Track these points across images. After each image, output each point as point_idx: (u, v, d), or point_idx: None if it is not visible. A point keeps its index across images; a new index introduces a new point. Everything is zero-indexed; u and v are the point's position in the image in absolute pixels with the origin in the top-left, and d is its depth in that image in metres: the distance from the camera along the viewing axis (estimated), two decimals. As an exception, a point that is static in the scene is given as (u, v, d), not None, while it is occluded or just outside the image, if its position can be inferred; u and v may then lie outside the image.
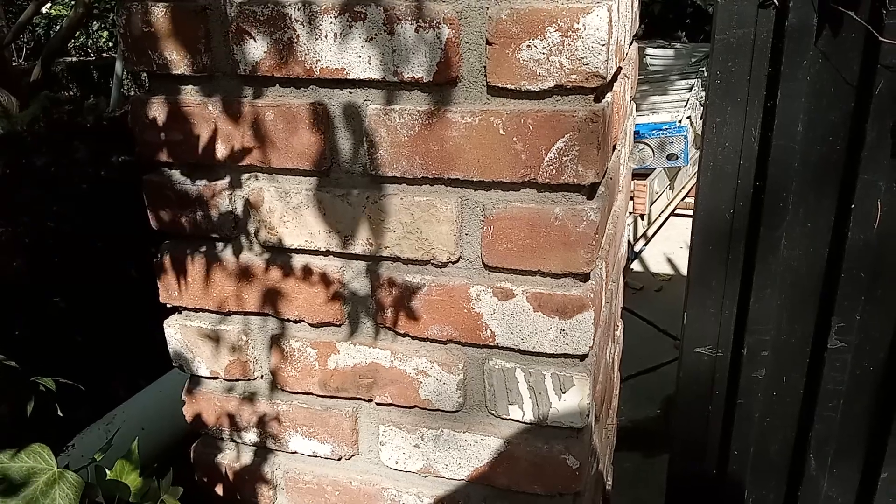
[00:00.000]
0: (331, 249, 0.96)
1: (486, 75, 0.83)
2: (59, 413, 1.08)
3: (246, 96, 0.93)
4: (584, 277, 0.91)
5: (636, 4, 1.17)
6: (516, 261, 0.90)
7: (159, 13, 0.91)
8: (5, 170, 3.43)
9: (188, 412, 1.14)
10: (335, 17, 0.85)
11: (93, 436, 1.78)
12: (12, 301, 2.55)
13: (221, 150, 0.95)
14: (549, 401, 0.96)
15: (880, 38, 0.91)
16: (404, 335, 0.99)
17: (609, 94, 0.88)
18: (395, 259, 0.95)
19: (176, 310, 1.08)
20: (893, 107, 0.96)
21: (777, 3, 0.96)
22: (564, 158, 0.84)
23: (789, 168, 1.01)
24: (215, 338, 1.07)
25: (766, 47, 0.99)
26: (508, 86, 0.83)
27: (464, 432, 1.01)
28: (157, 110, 0.96)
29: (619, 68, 0.97)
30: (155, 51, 0.93)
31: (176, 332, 1.09)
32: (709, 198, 1.07)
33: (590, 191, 0.87)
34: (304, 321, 1.02)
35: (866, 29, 0.93)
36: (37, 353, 2.39)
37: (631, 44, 1.14)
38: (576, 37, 0.78)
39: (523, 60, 0.81)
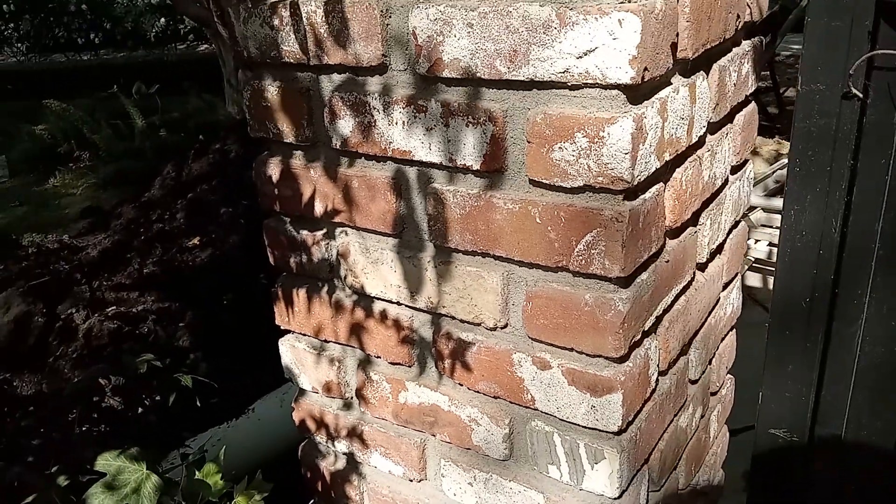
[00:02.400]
0: (401, 301, 1.09)
1: (526, 169, 0.90)
2: (198, 404, 1.31)
3: (340, 164, 1.07)
4: (620, 360, 0.94)
5: (747, 67, 1.15)
6: (552, 336, 0.96)
7: (273, 92, 1.08)
8: (237, 153, 3.95)
9: (296, 417, 1.33)
10: (403, 108, 0.96)
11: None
12: (226, 273, 2.98)
13: (319, 208, 1.11)
14: (583, 468, 1.01)
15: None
16: (460, 385, 1.09)
17: (649, 191, 0.90)
18: (452, 317, 1.05)
19: (288, 331, 1.27)
20: None
21: (861, 96, 0.90)
22: (592, 251, 0.88)
23: (865, 265, 0.95)
24: (316, 359, 1.24)
25: (849, 139, 0.93)
26: (544, 180, 0.89)
27: (510, 480, 1.09)
28: (273, 170, 1.14)
29: (686, 152, 0.99)
30: (271, 122, 1.10)
31: (287, 350, 1.28)
32: (786, 283, 1.03)
33: (623, 281, 0.90)
34: (381, 357, 1.16)
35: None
36: (241, 325, 2.78)
37: (728, 114, 1.13)
38: (601, 144, 0.83)
39: (556, 160, 0.87)
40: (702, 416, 1.31)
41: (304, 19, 0.99)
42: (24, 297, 2.61)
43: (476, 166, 0.93)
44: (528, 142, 0.88)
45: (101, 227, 3.92)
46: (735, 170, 1.22)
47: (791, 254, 1.02)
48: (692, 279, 1.12)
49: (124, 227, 3.67)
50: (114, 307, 2.70)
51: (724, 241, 1.23)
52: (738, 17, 1.06)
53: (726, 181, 1.18)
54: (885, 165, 0.92)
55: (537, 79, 0.85)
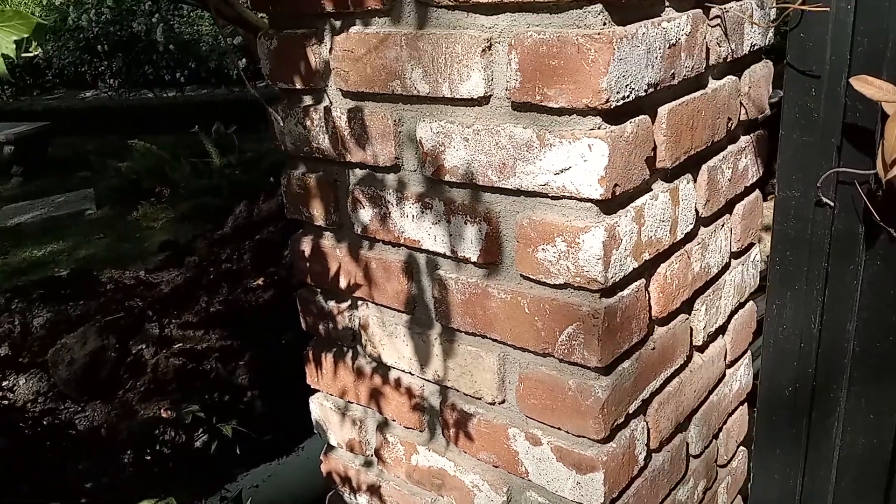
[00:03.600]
0: (412, 371, 1.20)
1: (516, 264, 1.00)
2: (238, 452, 1.45)
3: (361, 247, 1.20)
4: (602, 441, 1.03)
5: (745, 161, 1.22)
6: (542, 415, 1.05)
7: (306, 181, 1.21)
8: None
9: (324, 469, 1.45)
10: (413, 203, 1.08)
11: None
12: (286, 314, 3.14)
13: (343, 283, 1.23)
14: (572, 537, 1.09)
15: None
16: (464, 452, 1.18)
17: (627, 288, 0.99)
18: (456, 390, 1.15)
19: (317, 390, 1.40)
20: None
21: (832, 205, 0.96)
22: (573, 342, 0.97)
23: (842, 361, 1.00)
24: (340, 418, 1.36)
25: (823, 244, 0.99)
26: (531, 276, 0.99)
27: (509, 543, 1.17)
28: (306, 247, 1.27)
29: (671, 249, 1.07)
30: (304, 206, 1.24)
31: (316, 408, 1.40)
32: (771, 372, 1.09)
33: (602, 370, 0.99)
34: (396, 421, 1.27)
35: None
36: (297, 365, 2.93)
37: (724, 207, 1.20)
38: (577, 249, 0.92)
39: (540, 259, 0.97)
40: (707, 489, 1.36)
41: (332, 122, 1.13)
42: (99, 332, 2.83)
43: (474, 258, 1.04)
44: (517, 241, 0.98)
45: (176, 262, 4.18)
46: (738, 255, 1.28)
47: (774, 345, 1.08)
48: (687, 361, 1.19)
49: (196, 265, 3.91)
50: (180, 344, 2.90)
51: (727, 322, 1.29)
52: (730, 119, 1.14)
53: (727, 265, 1.25)
54: (853, 271, 0.98)
55: (523, 188, 0.95)
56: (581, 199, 0.91)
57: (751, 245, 1.33)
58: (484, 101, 0.95)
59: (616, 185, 0.90)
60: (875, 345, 0.99)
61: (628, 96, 0.88)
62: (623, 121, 0.90)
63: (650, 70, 0.91)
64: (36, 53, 0.84)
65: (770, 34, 1.17)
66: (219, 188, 5.59)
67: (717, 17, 1.05)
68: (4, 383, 2.68)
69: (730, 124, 1.14)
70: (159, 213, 5.79)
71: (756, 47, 1.17)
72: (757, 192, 1.31)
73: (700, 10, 1.01)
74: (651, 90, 0.92)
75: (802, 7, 0.95)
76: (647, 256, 1.00)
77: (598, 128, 0.88)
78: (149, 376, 2.76)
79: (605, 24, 0.84)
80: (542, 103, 0.90)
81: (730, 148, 1.18)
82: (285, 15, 1.14)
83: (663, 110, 0.97)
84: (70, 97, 11.17)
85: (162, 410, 2.59)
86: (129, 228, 5.61)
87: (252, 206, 4.50)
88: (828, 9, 0.93)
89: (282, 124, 1.21)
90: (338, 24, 1.08)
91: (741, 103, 1.17)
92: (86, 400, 2.64)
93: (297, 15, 1.12)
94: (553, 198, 0.94)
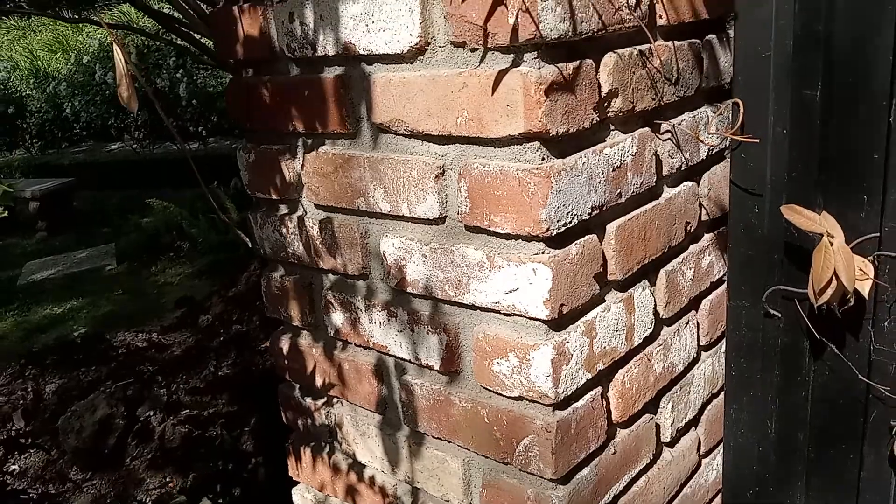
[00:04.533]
0: (384, 471, 1.22)
1: (474, 375, 1.03)
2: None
3: (335, 348, 1.24)
4: (564, 545, 1.04)
5: (709, 258, 1.25)
6: (505, 520, 1.07)
7: (283, 283, 1.26)
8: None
9: (306, 556, 1.47)
10: (381, 311, 1.12)
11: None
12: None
13: (319, 381, 1.27)
14: None
15: (863, 379, 0.90)
16: (435, 550, 1.20)
17: (582, 399, 1.01)
18: (426, 492, 1.18)
19: (299, 482, 1.43)
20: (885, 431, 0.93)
21: (779, 315, 0.98)
22: (530, 454, 1.00)
23: (794, 468, 1.01)
24: (321, 508, 1.39)
25: (774, 352, 1.01)
26: (489, 387, 1.02)
27: None
28: (284, 345, 1.31)
29: (628, 355, 1.09)
30: (282, 306, 1.28)
31: (298, 499, 1.43)
32: (732, 475, 1.10)
33: (559, 479, 1.01)
34: (372, 516, 1.29)
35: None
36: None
37: (688, 305, 1.22)
38: (528, 365, 0.96)
39: (496, 371, 1.00)
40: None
41: (305, 231, 1.18)
42: (108, 399, 2.89)
43: (437, 367, 1.07)
44: (475, 353, 1.02)
45: (190, 321, 4.25)
46: (708, 347, 1.30)
47: (734, 448, 1.09)
48: (655, 459, 1.21)
49: (208, 325, 3.97)
50: (187, 410, 2.94)
51: (699, 414, 1.30)
52: (689, 223, 1.17)
53: (696, 360, 1.27)
54: (803, 381, 0.99)
55: (477, 304, 0.99)
56: (530, 318, 0.95)
57: (722, 335, 1.35)
58: (440, 221, 1.00)
59: (562, 304, 0.93)
60: (828, 452, 1.00)
61: (570, 222, 0.92)
62: (567, 244, 0.94)
63: (594, 195, 0.95)
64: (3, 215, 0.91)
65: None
66: (235, 244, 5.69)
67: (668, 131, 1.09)
68: (11, 461, 2.74)
69: (689, 227, 1.17)
70: (177, 268, 5.89)
71: (715, 150, 1.21)
72: (724, 286, 1.33)
73: (648, 129, 1.05)
74: (596, 212, 0.96)
75: (736, 137, 0.99)
76: (601, 367, 1.03)
77: (542, 252, 0.91)
78: (155, 444, 2.80)
79: (543, 158, 0.89)
80: (490, 228, 0.94)
81: (691, 248, 1.21)
82: (261, 131, 1.20)
83: (611, 227, 1.01)
84: (96, 149, 11.47)
85: (168, 480, 2.63)
86: (147, 284, 5.71)
87: (251, 235, 4.58)
88: (758, 140, 0.96)
89: (259, 230, 1.26)
90: (309, 141, 1.13)
91: (701, 205, 1.20)
92: (93, 469, 2.69)
93: (272, 131, 1.18)
94: (505, 314, 0.97)
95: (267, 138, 1.20)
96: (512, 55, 0.87)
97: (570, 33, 0.87)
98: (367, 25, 0.98)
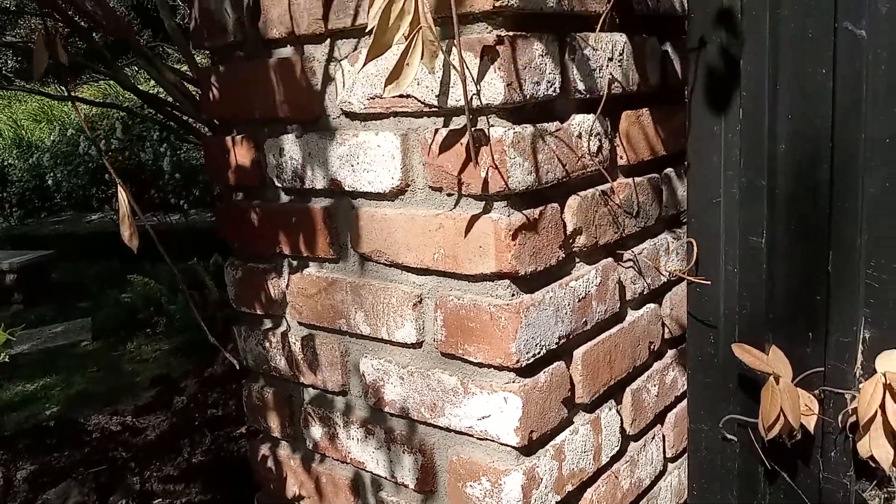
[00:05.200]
0: (360, 582, 1.25)
1: (449, 498, 1.08)
2: None
3: (313, 460, 1.28)
4: None
5: (673, 373, 1.31)
6: None
7: (266, 394, 1.31)
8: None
9: None
10: (358, 427, 1.17)
11: None
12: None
13: (297, 492, 1.30)
14: None
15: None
16: None
17: (551, 518, 1.06)
18: None
19: None
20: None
21: (735, 440, 1.05)
22: (501, 572, 1.03)
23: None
24: None
25: (732, 476, 1.07)
26: (462, 507, 1.06)
27: None
28: (264, 454, 1.35)
29: (596, 474, 1.14)
30: (262, 417, 1.32)
31: None
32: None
33: None
34: None
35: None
36: None
37: (653, 420, 1.28)
38: (500, 489, 1.00)
39: (469, 494, 1.04)
40: None
41: (288, 346, 1.23)
42: (80, 487, 2.85)
43: (412, 486, 1.12)
44: (449, 474, 1.07)
45: (165, 402, 4.22)
46: (674, 459, 1.36)
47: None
48: (624, 570, 1.24)
49: (183, 407, 3.94)
50: (159, 500, 2.91)
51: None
52: (652, 342, 1.24)
53: (662, 472, 1.32)
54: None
55: (452, 428, 1.04)
56: (501, 444, 1.00)
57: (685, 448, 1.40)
58: (417, 346, 1.06)
59: (532, 431, 0.99)
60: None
61: (539, 353, 0.98)
62: (536, 373, 1.00)
63: (561, 325, 1.02)
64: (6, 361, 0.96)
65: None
66: (213, 321, 5.68)
67: (630, 260, 1.17)
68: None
69: (652, 346, 1.24)
70: (154, 345, 5.85)
71: (675, 272, 1.29)
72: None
73: (611, 259, 1.13)
74: (563, 341, 1.03)
75: (690, 277, 1.08)
76: (570, 488, 1.08)
77: (513, 381, 0.98)
78: (126, 534, 2.76)
79: (513, 294, 0.96)
80: (464, 357, 1.00)
81: (655, 366, 1.27)
82: (249, 250, 1.27)
83: (578, 353, 1.07)
84: (76, 220, 11.47)
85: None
86: (123, 362, 5.66)
87: (235, 346, 4.58)
88: (710, 283, 1.05)
89: (243, 343, 1.31)
90: (295, 263, 1.20)
91: (664, 324, 1.28)
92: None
93: (259, 251, 1.25)
94: (479, 438, 1.02)
95: (254, 257, 1.27)
96: (483, 202, 0.95)
97: (536, 184, 0.95)
98: (352, 166, 1.06)
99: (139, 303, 6.30)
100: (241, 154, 1.21)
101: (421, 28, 0.79)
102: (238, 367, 1.31)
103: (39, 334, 6.50)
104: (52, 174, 11.02)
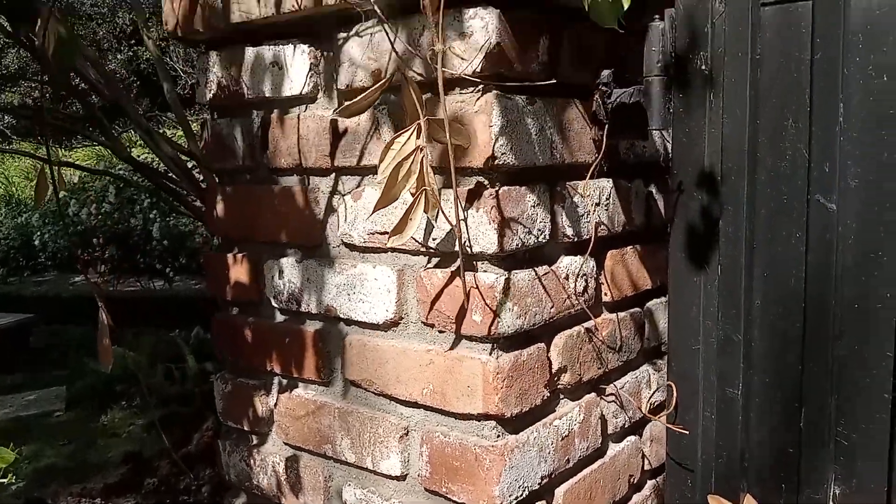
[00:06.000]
0: None
1: None
2: None
3: (291, 577, 1.27)
4: None
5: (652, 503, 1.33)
6: None
7: (245, 509, 1.31)
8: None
9: None
10: (338, 551, 1.17)
11: None
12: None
13: None
14: None
15: None
16: None
17: None
18: None
19: None
20: None
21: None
22: None
23: None
24: None
25: None
26: None
27: None
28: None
29: None
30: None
31: None
32: None
33: None
34: None
35: None
36: None
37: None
38: None
39: None
40: None
41: (272, 465, 1.24)
42: (42, 574, 2.76)
43: None
44: None
45: (136, 482, 4.13)
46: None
47: None
48: None
49: (154, 489, 3.86)
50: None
51: None
52: (632, 475, 1.26)
53: None
54: None
55: (432, 561, 1.05)
56: (480, 582, 1.01)
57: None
58: (401, 478, 1.08)
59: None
60: None
61: (521, 495, 1.01)
62: (518, 512, 1.02)
63: (544, 465, 1.05)
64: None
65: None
66: (191, 396, 5.61)
67: (613, 394, 1.21)
68: None
69: (632, 479, 1.26)
70: (128, 419, 5.76)
71: (656, 403, 1.32)
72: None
73: (594, 394, 1.16)
74: (546, 480, 1.05)
75: (669, 425, 1.11)
76: None
77: (496, 524, 0.99)
78: None
79: (499, 436, 0.99)
80: (448, 495, 1.02)
81: (634, 498, 1.29)
82: (241, 364, 1.29)
83: (560, 491, 1.09)
84: (60, 281, 11.39)
85: None
86: (96, 434, 5.55)
87: (218, 459, 4.51)
88: (688, 432, 1.08)
89: (227, 457, 1.32)
90: (284, 382, 1.23)
91: (644, 456, 1.30)
92: None
93: (250, 366, 1.27)
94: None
95: (245, 372, 1.29)
96: (473, 342, 0.99)
97: (524, 326, 1.00)
98: (348, 295, 1.10)
99: (116, 373, 6.24)
100: (240, 271, 1.25)
101: (425, 189, 0.84)
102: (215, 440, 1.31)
103: (12, 401, 6.39)
104: (39, 234, 11.03)
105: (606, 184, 1.16)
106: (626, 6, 0.83)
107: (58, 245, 11.30)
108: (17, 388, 6.91)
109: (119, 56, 10.48)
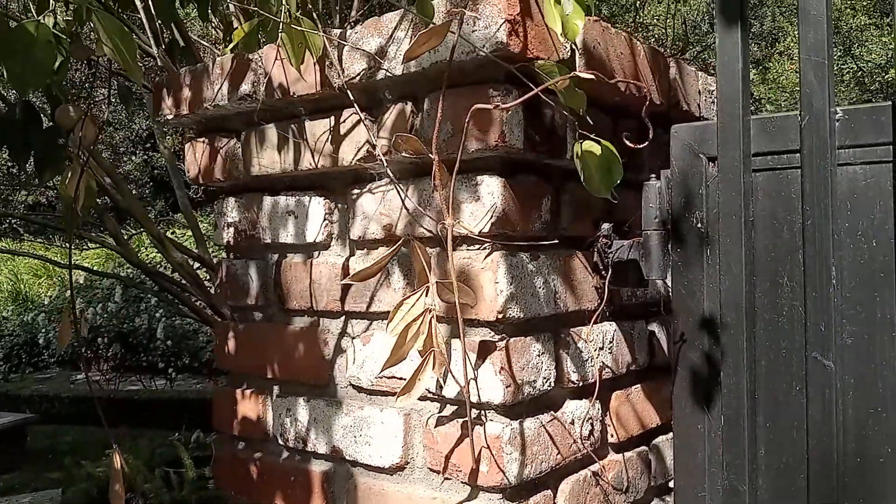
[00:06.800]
0: None
1: None
2: None
3: None
4: None
5: None
6: None
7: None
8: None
9: None
10: None
11: None
12: None
13: None
14: None
15: None
16: None
17: None
18: None
19: None
20: None
21: None
22: None
23: None
24: None
25: None
26: None
27: None
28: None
29: None
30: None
31: None
32: None
33: None
34: None
35: None
36: None
37: None
38: None
39: None
40: None
41: None
42: None
43: None
44: None
45: None
46: None
47: None
48: None
49: None
50: None
51: None
52: None
53: None
54: None
55: None
56: None
57: None
58: None
59: None
60: None
61: None
62: None
63: None
64: None
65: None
66: (188, 503, 5.49)
67: (620, 539, 1.19)
68: None
69: None
70: (123, 526, 5.60)
71: (665, 544, 1.31)
72: None
73: (601, 541, 1.16)
74: None
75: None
76: None
77: None
78: None
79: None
80: None
81: None
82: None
83: None
84: (62, 379, 11.33)
85: None
86: (88, 544, 5.39)
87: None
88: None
89: None
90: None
91: None
92: None
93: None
94: None
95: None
96: (480, 491, 1.00)
97: (530, 475, 1.01)
98: (354, 437, 1.11)
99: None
100: (248, 407, 1.27)
101: (433, 350, 0.87)
102: None
103: (6, 505, 6.25)
104: (44, 332, 11.04)
105: (609, 327, 1.19)
106: (617, 180, 0.88)
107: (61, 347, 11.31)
108: (13, 489, 6.76)
109: (134, 158, 10.78)
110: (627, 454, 1.23)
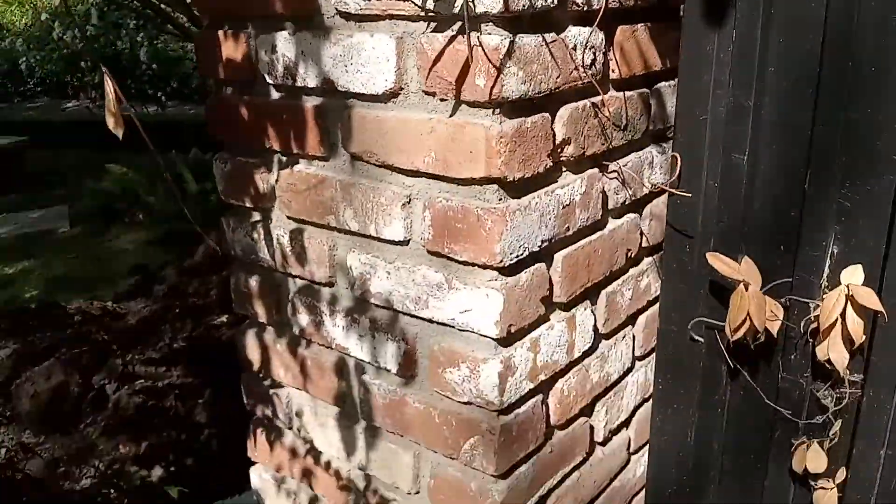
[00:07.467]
0: (340, 457, 1.34)
1: (429, 381, 1.15)
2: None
3: (299, 345, 1.34)
4: (499, 533, 1.17)
5: (647, 279, 1.38)
6: (448, 509, 1.20)
7: (252, 284, 1.36)
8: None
9: (262, 532, 1.58)
10: (344, 317, 1.23)
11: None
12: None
13: (282, 374, 1.38)
14: None
15: (770, 403, 1.03)
16: (384, 532, 1.33)
17: (524, 405, 1.14)
18: (378, 478, 1.30)
19: (257, 462, 1.54)
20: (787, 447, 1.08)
21: (702, 341, 1.12)
22: (475, 452, 1.13)
23: (708, 474, 1.16)
24: (276, 489, 1.50)
25: (696, 373, 1.15)
26: (441, 392, 1.14)
27: None
28: (250, 339, 1.41)
29: (568, 366, 1.22)
30: (250, 304, 1.38)
31: (255, 478, 1.54)
32: (655, 475, 1.24)
33: (500, 476, 1.14)
34: (326, 498, 1.41)
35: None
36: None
37: (625, 321, 1.35)
38: (478, 375, 1.08)
39: (448, 379, 1.12)
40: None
41: (276, 239, 1.28)
42: (64, 366, 2.94)
43: (394, 370, 1.19)
44: (430, 361, 1.14)
45: (145, 290, 4.28)
46: (643, 357, 1.44)
47: (658, 452, 1.24)
48: (588, 456, 1.35)
49: (164, 295, 4.01)
50: (142, 381, 3.01)
51: (631, 416, 1.45)
52: (630, 249, 1.30)
53: (630, 369, 1.41)
54: (719, 400, 1.14)
55: (435, 319, 1.11)
56: (481, 335, 1.07)
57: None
58: (404, 243, 1.11)
59: (511, 325, 1.06)
60: (738, 462, 1.15)
61: (522, 254, 1.04)
62: (518, 272, 1.06)
63: (544, 230, 1.07)
64: None
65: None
66: (193, 214, 5.69)
67: (615, 171, 1.21)
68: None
69: (630, 253, 1.30)
70: (132, 235, 5.88)
71: (658, 185, 1.33)
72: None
73: (597, 170, 1.17)
74: (545, 244, 1.08)
75: (672, 190, 1.12)
76: (543, 377, 1.16)
77: (495, 280, 1.03)
78: (109, 412, 2.87)
79: (500, 199, 1.00)
80: (450, 255, 1.05)
81: (631, 272, 1.34)
82: (239, 144, 1.29)
83: (559, 256, 1.13)
84: (51, 107, 11.18)
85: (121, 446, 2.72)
86: (101, 250, 5.69)
87: (223, 238, 4.62)
88: (690, 195, 1.09)
89: (231, 233, 1.35)
90: (284, 159, 1.23)
91: (642, 233, 1.33)
92: (46, 434, 2.75)
93: (249, 145, 1.27)
94: (460, 329, 1.09)
95: (244, 151, 1.29)
96: (476, 109, 0.98)
97: (529, 93, 0.98)
98: (346, 66, 1.08)
99: (117, 192, 6.27)
100: (232, 48, 1.21)
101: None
102: (220, 254, 1.36)
103: (16, 219, 6.47)
104: (25, 59, 10.66)
105: (617, -53, 1.10)
106: None
107: (46, 71, 10.97)
108: (20, 206, 6.96)
109: None
110: (628, 93, 1.21)
